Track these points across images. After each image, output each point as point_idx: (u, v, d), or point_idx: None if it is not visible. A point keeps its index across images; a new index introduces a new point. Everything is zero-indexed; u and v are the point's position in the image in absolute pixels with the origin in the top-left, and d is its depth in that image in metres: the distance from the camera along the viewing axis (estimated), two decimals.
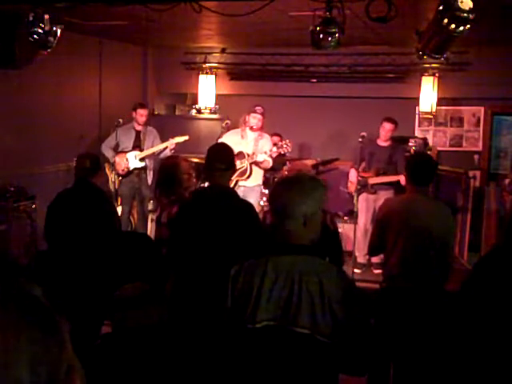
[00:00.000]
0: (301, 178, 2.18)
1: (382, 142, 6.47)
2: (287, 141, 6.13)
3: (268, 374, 2.00)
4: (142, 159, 6.76)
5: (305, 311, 1.94)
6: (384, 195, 6.24)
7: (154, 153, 6.76)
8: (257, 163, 6.09)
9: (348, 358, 2.00)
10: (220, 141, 5.54)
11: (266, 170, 6.39)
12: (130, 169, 6.75)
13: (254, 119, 6.07)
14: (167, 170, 4.00)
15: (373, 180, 6.38)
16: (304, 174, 2.63)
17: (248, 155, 6.02)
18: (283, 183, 2.19)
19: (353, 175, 6.53)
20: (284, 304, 1.97)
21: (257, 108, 6.10)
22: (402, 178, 6.08)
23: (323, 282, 1.96)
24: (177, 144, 6.72)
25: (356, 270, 6.15)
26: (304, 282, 1.96)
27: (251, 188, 6.16)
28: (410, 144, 7.11)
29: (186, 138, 6.79)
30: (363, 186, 6.39)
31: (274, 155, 6.17)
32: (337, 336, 1.93)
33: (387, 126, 6.40)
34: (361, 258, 6.46)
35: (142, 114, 6.76)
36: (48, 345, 0.93)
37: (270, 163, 6.14)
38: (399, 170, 6.22)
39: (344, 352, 1.97)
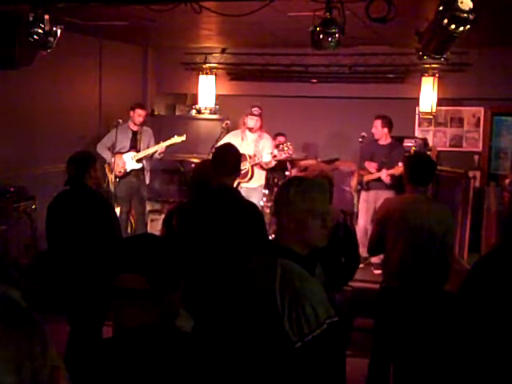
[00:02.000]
0: (298, 180, 2.15)
1: (382, 141, 6.49)
2: (288, 143, 6.13)
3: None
4: (139, 160, 6.73)
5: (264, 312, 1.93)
6: (385, 195, 6.27)
7: (148, 154, 6.74)
8: (262, 164, 6.10)
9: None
10: (222, 141, 5.54)
11: (267, 171, 6.41)
12: (128, 170, 6.72)
13: (252, 121, 6.08)
14: (203, 172, 3.87)
15: (368, 177, 6.45)
16: (304, 176, 2.61)
17: (250, 157, 6.03)
18: (284, 184, 2.18)
19: (371, 167, 6.50)
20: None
21: (253, 110, 6.09)
22: (383, 174, 6.25)
23: (287, 285, 1.92)
24: (170, 145, 6.69)
25: None
26: (270, 283, 1.94)
27: (254, 188, 6.18)
28: (406, 144, 7.14)
29: (183, 138, 6.70)
30: (359, 184, 6.46)
31: (278, 157, 6.16)
32: (291, 340, 1.88)
33: (375, 123, 6.45)
34: (363, 253, 6.45)
35: (140, 115, 6.70)
36: (29, 346, 0.92)
37: (272, 163, 6.18)
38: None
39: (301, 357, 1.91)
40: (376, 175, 6.39)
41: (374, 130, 6.46)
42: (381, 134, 6.44)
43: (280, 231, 2.08)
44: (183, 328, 1.55)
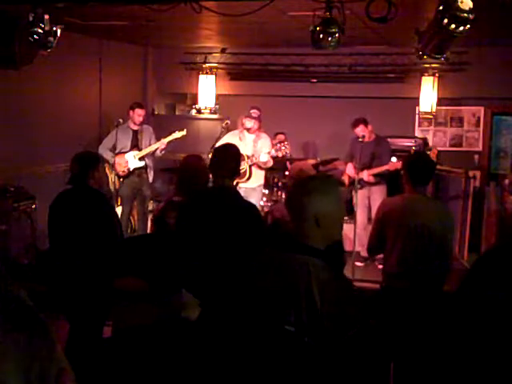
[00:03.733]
0: (313, 179, 2.17)
1: (368, 138, 6.53)
2: (286, 143, 6.17)
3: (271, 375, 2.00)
4: (141, 158, 6.74)
5: (301, 311, 1.93)
6: (377, 190, 6.41)
7: (150, 151, 6.76)
8: (260, 164, 6.10)
9: (346, 361, 1.98)
10: (220, 143, 5.54)
11: (266, 171, 6.41)
12: (131, 169, 6.73)
13: (249, 122, 6.08)
14: (190, 167, 3.95)
15: (360, 175, 6.49)
16: (320, 174, 2.60)
17: (248, 157, 6.03)
18: (296, 184, 2.18)
19: (350, 170, 6.60)
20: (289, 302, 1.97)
21: (252, 112, 6.08)
22: (364, 175, 6.39)
23: (323, 283, 1.95)
24: (172, 141, 6.71)
25: (358, 263, 6.23)
26: (306, 282, 1.96)
27: (253, 188, 6.18)
28: (406, 144, 7.25)
29: (183, 133, 6.72)
30: (352, 184, 6.51)
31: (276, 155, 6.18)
32: (332, 338, 1.92)
33: (356, 131, 6.44)
34: (364, 252, 6.50)
35: (139, 114, 6.71)
36: (36, 347, 0.92)
37: (271, 162, 6.18)
38: (384, 163, 6.38)
39: (341, 355, 1.95)
40: (359, 176, 6.45)
41: (362, 136, 6.37)
42: (369, 133, 6.48)
43: (302, 231, 2.07)
44: (189, 317, 1.54)
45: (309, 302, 1.90)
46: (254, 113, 6.09)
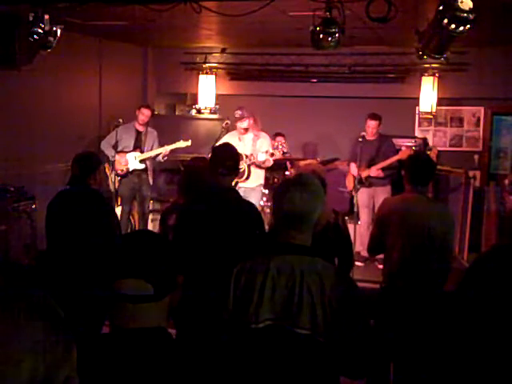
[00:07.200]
0: (305, 183, 2.14)
1: (370, 137, 6.55)
2: (283, 142, 6.16)
3: (268, 374, 2.00)
4: (142, 161, 6.73)
5: (305, 311, 1.94)
6: (381, 191, 6.41)
7: (152, 155, 6.76)
8: (258, 163, 6.08)
9: (348, 360, 2.00)
10: (220, 142, 5.53)
11: (266, 170, 6.39)
12: (130, 169, 6.74)
13: (242, 123, 6.05)
14: (196, 170, 3.94)
15: (365, 173, 6.51)
16: (306, 176, 2.55)
17: (246, 156, 6.01)
18: (289, 187, 2.12)
19: (354, 170, 6.60)
20: (285, 304, 1.97)
21: (235, 114, 6.02)
22: (372, 171, 6.47)
23: (324, 282, 1.95)
24: (174, 149, 6.71)
25: (358, 263, 6.24)
26: (305, 282, 1.96)
27: (252, 188, 6.16)
28: (406, 144, 7.27)
29: (188, 143, 6.71)
30: (359, 182, 6.50)
31: (274, 157, 6.16)
32: (336, 337, 1.93)
33: (371, 124, 6.50)
34: (364, 252, 6.50)
35: (145, 114, 6.72)
36: (53, 341, 0.94)
37: (270, 162, 6.16)
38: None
39: (344, 354, 1.97)
40: (367, 174, 6.48)
41: (369, 130, 6.47)
42: (375, 132, 6.50)
43: (287, 231, 2.08)
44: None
45: (323, 304, 1.93)
46: (237, 113, 6.02)
